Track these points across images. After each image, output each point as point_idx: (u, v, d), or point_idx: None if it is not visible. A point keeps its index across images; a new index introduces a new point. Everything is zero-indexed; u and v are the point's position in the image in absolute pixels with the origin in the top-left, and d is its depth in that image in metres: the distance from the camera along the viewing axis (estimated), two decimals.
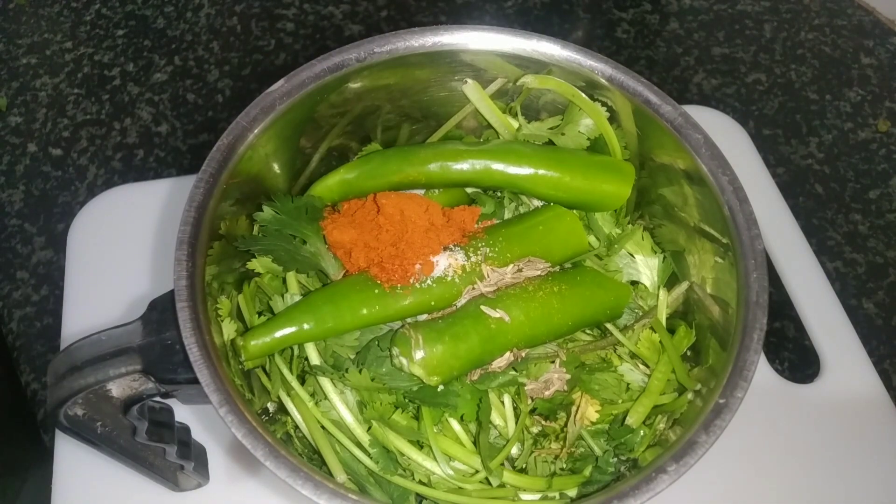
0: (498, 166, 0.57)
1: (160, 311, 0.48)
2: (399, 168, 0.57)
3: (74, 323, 0.70)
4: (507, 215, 0.61)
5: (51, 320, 0.77)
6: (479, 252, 0.54)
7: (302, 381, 0.53)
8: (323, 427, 0.51)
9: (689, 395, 0.52)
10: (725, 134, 0.83)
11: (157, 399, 0.51)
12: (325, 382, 0.51)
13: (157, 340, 0.47)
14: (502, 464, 0.51)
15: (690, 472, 0.44)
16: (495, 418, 0.52)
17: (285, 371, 0.52)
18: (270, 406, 0.54)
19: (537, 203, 0.61)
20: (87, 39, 0.99)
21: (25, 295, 0.79)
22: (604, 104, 0.57)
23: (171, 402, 0.53)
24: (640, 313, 0.58)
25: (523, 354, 0.53)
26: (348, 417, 0.50)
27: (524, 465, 0.53)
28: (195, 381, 0.44)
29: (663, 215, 0.60)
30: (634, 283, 0.60)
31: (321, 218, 0.56)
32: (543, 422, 0.55)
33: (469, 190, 0.62)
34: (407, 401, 0.51)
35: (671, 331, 0.57)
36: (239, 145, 0.52)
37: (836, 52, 0.99)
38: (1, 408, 0.72)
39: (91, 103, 0.93)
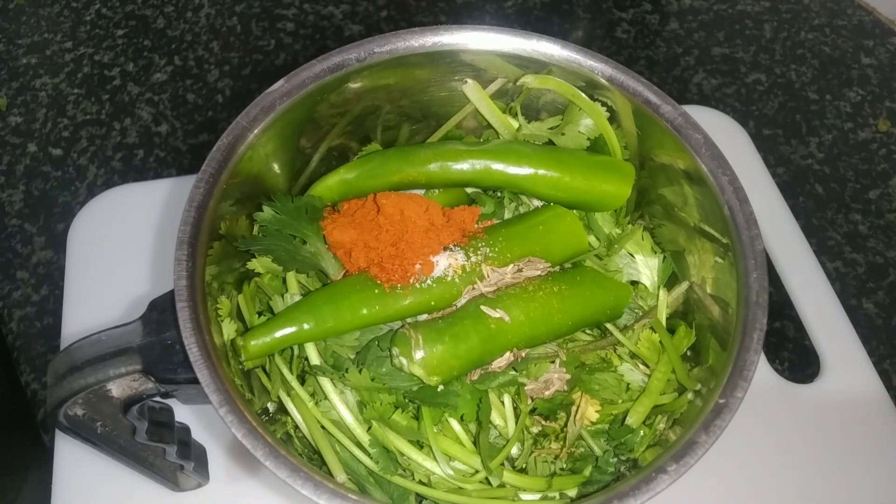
0: (498, 166, 0.57)
1: (160, 311, 0.48)
2: (399, 168, 0.57)
3: (74, 323, 0.70)
4: (507, 215, 0.61)
5: (51, 320, 0.77)
6: (479, 252, 0.54)
7: (302, 381, 0.53)
8: (323, 427, 0.51)
9: (689, 395, 0.52)
10: (725, 134, 0.83)
11: (157, 399, 0.51)
12: (325, 382, 0.51)
13: (157, 340, 0.47)
14: (502, 464, 0.51)
15: (690, 472, 0.44)
16: (495, 418, 0.52)
17: (285, 371, 0.52)
18: (270, 406, 0.54)
19: (537, 203, 0.61)
20: (87, 39, 0.99)
21: (25, 295, 0.79)
22: (604, 104, 0.57)
23: (171, 402, 0.52)
24: (640, 313, 0.58)
25: (523, 354, 0.53)
26: (348, 417, 0.50)
27: (524, 465, 0.53)
28: (195, 381, 0.44)
29: (663, 215, 0.60)
30: (634, 283, 0.60)
31: (321, 218, 0.56)
32: (543, 422, 0.55)
33: (469, 190, 0.62)
34: (407, 401, 0.51)
35: (671, 331, 0.57)
36: (239, 145, 0.52)
37: (836, 52, 0.99)
38: (1, 408, 0.72)
39: (91, 103, 0.93)
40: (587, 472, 0.52)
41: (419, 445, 0.51)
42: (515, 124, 0.61)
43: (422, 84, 0.59)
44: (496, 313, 0.51)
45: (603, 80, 0.56)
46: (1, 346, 0.75)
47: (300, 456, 0.49)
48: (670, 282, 0.59)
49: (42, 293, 0.79)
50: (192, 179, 0.49)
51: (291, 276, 0.55)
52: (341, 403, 0.51)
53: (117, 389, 0.49)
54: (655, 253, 0.60)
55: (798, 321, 0.73)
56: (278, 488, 0.62)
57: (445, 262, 0.53)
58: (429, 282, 0.52)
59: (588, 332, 0.59)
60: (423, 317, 0.53)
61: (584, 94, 0.57)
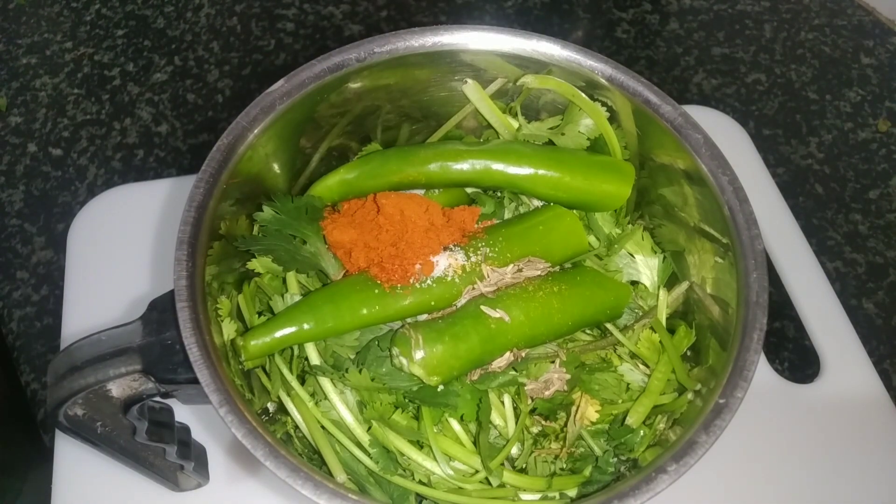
0: (498, 166, 0.57)
1: (160, 311, 0.48)
2: (399, 168, 0.57)
3: (74, 323, 0.70)
4: (507, 215, 0.61)
5: (51, 320, 0.77)
6: (479, 252, 0.54)
7: (302, 381, 0.53)
8: (323, 427, 0.51)
9: (689, 395, 0.52)
10: (725, 134, 0.83)
11: (157, 399, 0.51)
12: (325, 382, 0.51)
13: (157, 340, 0.47)
14: (502, 464, 0.51)
15: (690, 472, 0.44)
16: (495, 418, 0.52)
17: (285, 371, 0.52)
18: (270, 406, 0.54)
19: (537, 203, 0.61)
20: (87, 39, 0.99)
21: (25, 295, 0.79)
22: (604, 104, 0.57)
23: (171, 402, 0.52)
24: (640, 313, 0.58)
25: (523, 354, 0.53)
26: (348, 417, 0.50)
27: (524, 465, 0.53)
28: (195, 381, 0.44)
29: (663, 215, 0.60)
30: (634, 283, 0.60)
31: (321, 218, 0.56)
32: (543, 422, 0.55)
33: (469, 190, 0.62)
34: (407, 401, 0.51)
35: (671, 331, 0.57)
36: (239, 145, 0.52)
37: (836, 52, 0.99)
38: (1, 408, 0.72)
39: (91, 103, 0.93)
40: (587, 472, 0.52)
41: (419, 445, 0.51)
42: (515, 124, 0.61)
43: (422, 84, 0.59)
44: (496, 313, 0.51)
45: (603, 80, 0.56)
46: (1, 346, 0.75)
47: (300, 456, 0.49)
48: (670, 282, 0.59)
49: (42, 293, 0.79)
50: (192, 179, 0.49)
51: (291, 276, 0.55)
52: (341, 403, 0.51)
53: (117, 389, 0.49)
54: (655, 253, 0.60)
55: (798, 321, 0.73)
56: (278, 488, 0.62)
57: (445, 262, 0.53)
58: (429, 282, 0.52)
59: (588, 332, 0.59)
60: (423, 317, 0.53)
61: (584, 94, 0.57)
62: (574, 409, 0.54)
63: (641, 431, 0.52)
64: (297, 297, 0.53)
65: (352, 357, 0.52)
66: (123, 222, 0.76)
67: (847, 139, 0.92)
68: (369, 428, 0.50)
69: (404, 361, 0.50)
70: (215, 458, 0.62)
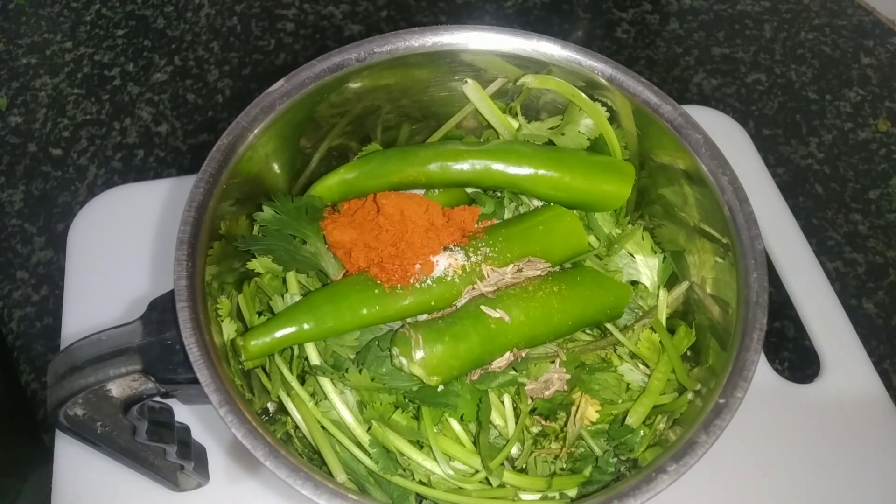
0: (498, 166, 0.57)
1: (160, 311, 0.48)
2: (399, 168, 0.57)
3: (74, 323, 0.70)
4: (507, 215, 0.61)
5: (51, 320, 0.77)
6: (479, 252, 0.54)
7: (302, 381, 0.53)
8: (323, 427, 0.51)
9: (689, 395, 0.52)
10: (725, 134, 0.83)
11: (157, 399, 0.51)
12: (325, 382, 0.51)
13: (157, 340, 0.47)
14: (502, 464, 0.51)
15: (690, 472, 0.44)
16: (495, 418, 0.52)
17: (285, 371, 0.52)
18: (270, 406, 0.54)
19: (537, 203, 0.61)
20: (87, 39, 0.99)
21: (25, 295, 0.79)
22: (604, 104, 0.57)
23: (171, 402, 0.52)
24: (640, 313, 0.58)
25: (523, 354, 0.53)
26: (348, 417, 0.50)
27: (524, 465, 0.53)
28: (195, 381, 0.44)
29: (663, 215, 0.60)
30: (634, 283, 0.60)
31: (321, 218, 0.56)
32: (543, 422, 0.55)
33: (469, 190, 0.62)
34: (407, 401, 0.51)
35: (671, 331, 0.57)
36: (239, 145, 0.52)
37: (836, 52, 0.99)
38: (1, 408, 0.72)
39: (91, 103, 0.93)
40: (587, 472, 0.52)
41: (419, 445, 0.51)
42: (515, 124, 0.61)
43: (422, 84, 0.59)
44: (496, 313, 0.51)
45: (603, 80, 0.56)
46: (1, 346, 0.75)
47: (300, 456, 0.49)
48: (670, 282, 0.59)
49: (42, 293, 0.79)
50: (192, 179, 0.49)
51: (291, 276, 0.55)
52: (341, 403, 0.51)
53: (117, 389, 0.49)
54: (655, 253, 0.60)
55: (798, 321, 0.73)
56: (278, 488, 0.62)
57: (445, 262, 0.53)
58: (429, 282, 0.52)
59: (588, 332, 0.59)
60: (423, 317, 0.53)
61: (584, 94, 0.57)
62: (574, 409, 0.54)
63: (641, 431, 0.52)
64: (297, 297, 0.53)
65: (352, 357, 0.52)
66: (123, 222, 0.76)
67: (847, 139, 0.92)
68: (369, 428, 0.50)
69: (404, 361, 0.50)
70: (215, 458, 0.62)
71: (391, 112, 0.61)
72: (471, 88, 0.59)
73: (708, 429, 0.45)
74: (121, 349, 0.47)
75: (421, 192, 0.60)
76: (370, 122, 0.62)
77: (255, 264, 0.54)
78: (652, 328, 0.56)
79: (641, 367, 0.56)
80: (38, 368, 0.75)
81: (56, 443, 0.64)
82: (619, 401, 0.55)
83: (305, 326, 0.50)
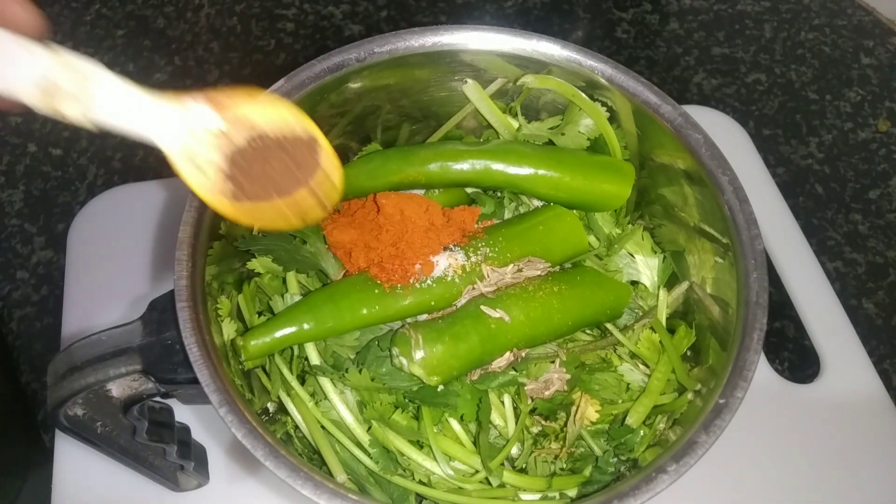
0: (498, 166, 0.57)
1: (160, 311, 0.48)
2: (399, 168, 0.57)
3: (74, 323, 0.70)
4: (507, 215, 0.61)
5: (51, 320, 0.77)
6: (479, 252, 0.54)
7: (302, 381, 0.53)
8: (323, 427, 0.51)
9: (689, 395, 0.52)
10: (725, 134, 0.83)
11: (157, 399, 0.51)
12: (325, 382, 0.51)
13: (157, 340, 0.47)
14: (502, 464, 0.51)
15: (690, 471, 0.44)
16: (495, 418, 0.52)
17: (285, 371, 0.52)
18: (270, 406, 0.54)
19: (537, 203, 0.61)
20: (87, 39, 0.99)
21: (25, 295, 0.79)
22: (604, 104, 0.57)
23: (171, 402, 0.53)
24: (640, 313, 0.58)
25: (523, 354, 0.53)
26: (348, 417, 0.50)
27: (524, 465, 0.53)
28: (195, 381, 0.44)
29: (663, 215, 0.60)
30: (634, 283, 0.60)
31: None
32: (543, 422, 0.55)
33: (469, 190, 0.62)
34: (407, 401, 0.51)
35: (671, 331, 0.57)
36: None
37: (836, 52, 0.99)
38: (1, 408, 0.72)
39: None
40: (587, 472, 0.52)
41: (419, 445, 0.51)
42: (515, 124, 0.61)
43: (422, 84, 0.59)
44: (496, 313, 0.51)
45: (603, 80, 0.56)
46: (1, 346, 0.75)
47: (300, 456, 0.49)
48: (670, 282, 0.59)
49: (42, 293, 0.79)
50: None
51: (291, 276, 0.55)
52: (341, 403, 0.51)
53: (117, 389, 0.49)
54: (655, 253, 0.60)
55: (798, 321, 0.73)
56: (278, 488, 0.62)
57: (445, 262, 0.53)
58: (429, 282, 0.52)
59: (588, 332, 0.59)
60: (423, 317, 0.53)
61: (584, 94, 0.57)
62: (574, 409, 0.54)
63: (641, 431, 0.52)
64: (297, 297, 0.53)
65: (352, 357, 0.52)
66: (123, 222, 0.76)
67: (847, 139, 0.92)
68: (369, 428, 0.50)
69: (404, 361, 0.50)
70: (215, 458, 0.62)
71: (391, 112, 0.61)
72: (471, 88, 0.59)
73: (708, 429, 0.45)
74: (121, 349, 0.47)
75: (421, 192, 0.60)
76: (370, 122, 0.62)
77: (255, 264, 0.54)
78: (652, 328, 0.56)
79: (641, 367, 0.56)
80: (38, 368, 0.75)
81: (56, 443, 0.64)
82: (619, 401, 0.55)
83: (305, 326, 0.50)
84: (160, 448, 0.53)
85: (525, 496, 0.51)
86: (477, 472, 0.51)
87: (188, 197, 0.49)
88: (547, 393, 0.53)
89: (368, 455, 0.50)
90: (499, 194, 0.62)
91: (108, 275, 0.72)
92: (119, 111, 0.35)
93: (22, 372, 0.75)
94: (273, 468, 0.42)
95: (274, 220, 0.41)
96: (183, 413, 0.57)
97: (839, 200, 0.87)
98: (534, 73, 0.57)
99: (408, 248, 0.52)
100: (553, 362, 0.54)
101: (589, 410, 0.54)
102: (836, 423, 0.68)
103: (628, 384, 0.56)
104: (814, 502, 0.65)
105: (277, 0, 1.02)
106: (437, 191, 0.61)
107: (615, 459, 0.52)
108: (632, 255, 0.60)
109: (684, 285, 0.57)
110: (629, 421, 0.53)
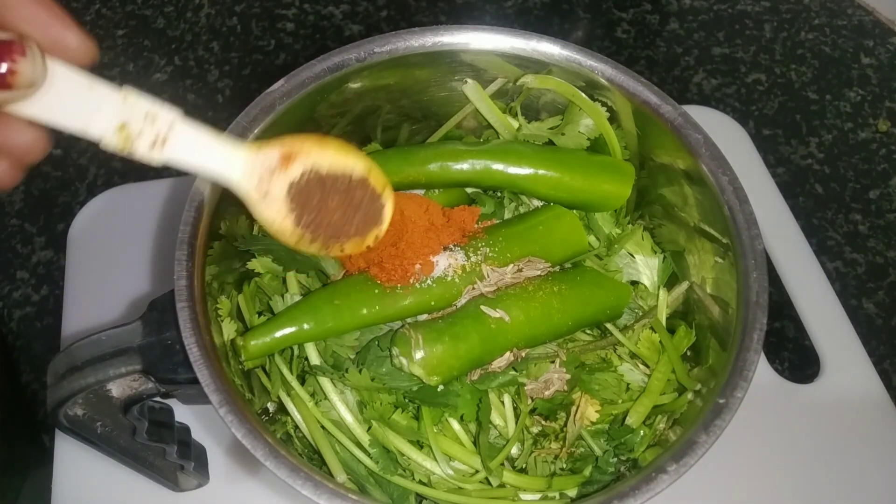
0: (498, 166, 0.57)
1: (160, 311, 0.48)
2: (399, 168, 0.57)
3: (74, 323, 0.70)
4: (507, 215, 0.61)
5: (51, 320, 0.77)
6: (479, 252, 0.54)
7: (302, 381, 0.53)
8: (323, 427, 0.51)
9: (689, 395, 0.52)
10: (725, 134, 0.83)
11: (157, 399, 0.51)
12: (325, 382, 0.51)
13: (157, 340, 0.47)
14: (502, 464, 0.51)
15: (690, 471, 0.44)
16: (495, 418, 0.52)
17: (285, 371, 0.52)
18: (270, 406, 0.54)
19: (537, 203, 0.61)
20: None
21: (25, 295, 0.79)
22: (604, 104, 0.57)
23: (171, 402, 0.53)
24: (640, 313, 0.58)
25: (523, 354, 0.53)
26: (348, 417, 0.50)
27: (524, 465, 0.53)
28: (195, 381, 0.44)
29: (663, 215, 0.60)
30: (634, 283, 0.60)
31: None
32: (543, 422, 0.55)
33: (469, 190, 0.62)
34: (407, 401, 0.51)
35: (671, 331, 0.57)
36: None
37: (836, 52, 0.99)
38: (1, 408, 0.72)
39: None
40: (587, 472, 0.52)
41: (419, 445, 0.51)
42: (515, 124, 0.61)
43: (422, 84, 0.59)
44: (496, 313, 0.51)
45: (603, 80, 0.56)
46: (1, 346, 0.75)
47: (300, 456, 0.49)
48: (670, 282, 0.59)
49: (42, 293, 0.79)
50: (193, 179, 0.49)
51: (291, 276, 0.55)
52: (341, 403, 0.51)
53: (117, 389, 0.49)
54: (655, 253, 0.60)
55: (798, 321, 0.73)
56: (278, 488, 0.62)
57: (445, 262, 0.53)
58: (429, 282, 0.52)
59: (588, 332, 0.59)
60: (423, 317, 0.53)
61: (584, 94, 0.57)
62: (574, 409, 0.54)
63: (641, 431, 0.52)
64: (297, 297, 0.53)
65: (352, 357, 0.52)
66: (123, 222, 0.76)
67: (847, 139, 0.92)
68: (369, 428, 0.50)
69: (404, 361, 0.50)
70: (215, 458, 0.62)
71: (391, 112, 0.61)
72: (471, 88, 0.59)
73: (708, 429, 0.45)
74: (121, 349, 0.47)
75: (421, 192, 0.60)
76: (370, 122, 0.62)
77: (255, 264, 0.54)
78: (652, 328, 0.56)
79: (641, 367, 0.56)
80: (38, 368, 0.75)
81: (56, 443, 0.64)
82: (619, 401, 0.55)
83: (305, 326, 0.50)
84: (160, 448, 0.53)
85: (525, 496, 0.51)
86: (477, 472, 0.51)
87: (188, 197, 0.49)
88: (547, 393, 0.53)
89: (368, 455, 0.50)
90: (499, 194, 0.62)
91: (108, 275, 0.72)
92: (194, 156, 0.37)
93: (22, 372, 0.75)
94: (273, 468, 0.42)
95: (321, 252, 0.44)
96: (183, 413, 0.57)
97: (839, 200, 0.87)
98: (534, 73, 0.57)
99: (408, 248, 0.52)
100: (553, 362, 0.54)
101: (589, 410, 0.54)
102: (836, 423, 0.68)
103: (628, 384, 0.56)
104: (814, 502, 0.65)
105: (277, 0, 1.02)
106: (437, 191, 0.61)
107: (615, 459, 0.52)
108: (632, 255, 0.60)
109: (684, 285, 0.57)
110: (629, 421, 0.53)
